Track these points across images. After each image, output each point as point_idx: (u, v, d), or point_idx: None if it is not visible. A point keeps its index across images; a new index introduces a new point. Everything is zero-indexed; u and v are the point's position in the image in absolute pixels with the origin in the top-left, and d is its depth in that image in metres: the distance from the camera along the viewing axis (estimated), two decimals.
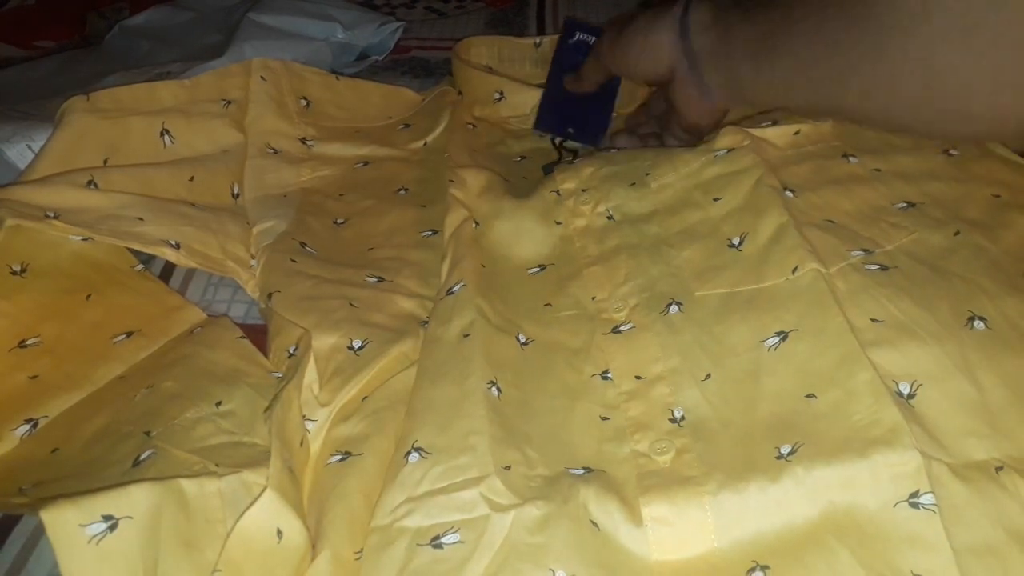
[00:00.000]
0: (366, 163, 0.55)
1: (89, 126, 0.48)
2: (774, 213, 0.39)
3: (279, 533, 0.31)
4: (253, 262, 0.46)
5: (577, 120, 0.55)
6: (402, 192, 0.52)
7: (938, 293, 0.35)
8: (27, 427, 0.37)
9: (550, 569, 0.29)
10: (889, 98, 0.35)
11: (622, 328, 0.39)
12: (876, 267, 0.37)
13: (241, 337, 0.42)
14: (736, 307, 0.37)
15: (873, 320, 0.34)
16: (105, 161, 0.48)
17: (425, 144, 0.56)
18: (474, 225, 0.45)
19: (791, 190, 0.41)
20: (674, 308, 0.38)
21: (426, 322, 0.41)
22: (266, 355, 0.41)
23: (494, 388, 0.36)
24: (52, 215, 0.42)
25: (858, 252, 0.37)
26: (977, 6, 0.30)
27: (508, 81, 0.58)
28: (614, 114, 0.56)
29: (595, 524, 0.31)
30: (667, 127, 0.50)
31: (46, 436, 0.37)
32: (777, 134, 0.45)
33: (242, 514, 0.30)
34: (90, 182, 0.45)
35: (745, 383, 0.34)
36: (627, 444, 0.34)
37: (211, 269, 0.46)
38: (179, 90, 0.52)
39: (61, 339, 0.40)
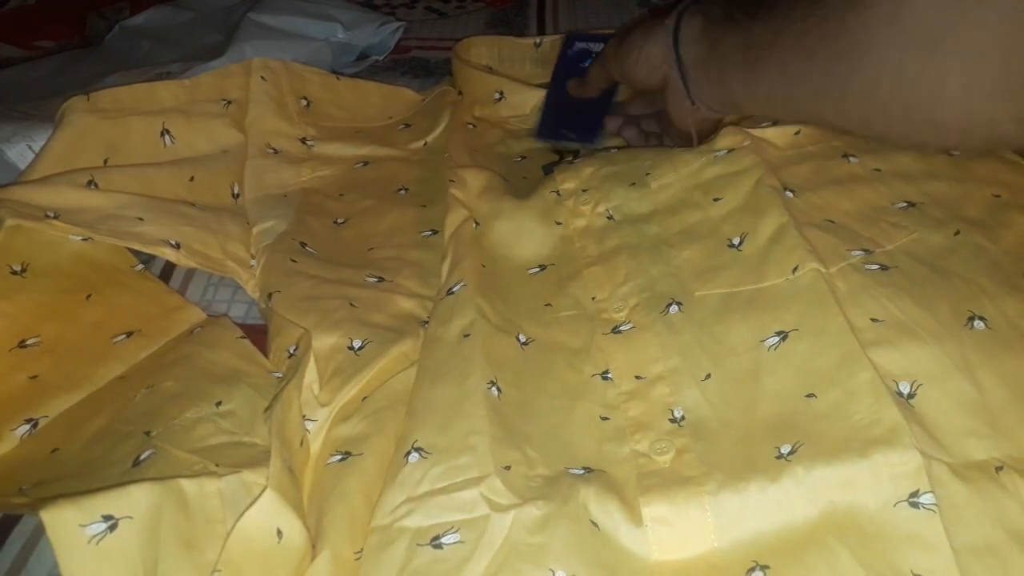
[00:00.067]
0: (366, 163, 0.55)
1: (89, 126, 0.48)
2: (774, 213, 0.39)
3: (279, 533, 0.31)
4: (253, 262, 0.46)
5: (575, 124, 0.55)
6: (402, 192, 0.52)
7: (938, 293, 0.35)
8: (27, 427, 0.37)
9: (550, 569, 0.29)
10: (864, 106, 0.35)
11: (622, 328, 0.39)
12: (876, 267, 0.37)
13: (241, 337, 0.42)
14: (736, 307, 0.37)
15: (873, 320, 0.34)
16: (105, 161, 0.48)
17: (425, 144, 0.56)
18: (474, 225, 0.45)
19: (791, 190, 0.41)
20: (674, 308, 0.38)
21: (426, 322, 0.41)
22: (266, 355, 0.41)
23: (494, 388, 0.36)
24: (52, 215, 0.42)
25: (858, 252, 0.37)
26: (947, 13, 0.31)
27: (508, 81, 0.58)
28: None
29: (595, 524, 0.31)
30: (664, 129, 0.51)
31: (46, 436, 0.37)
32: (777, 134, 0.45)
33: (242, 514, 0.30)
34: (90, 182, 0.45)
35: (745, 383, 0.34)
36: (627, 444, 0.34)
37: (211, 269, 0.46)
38: (179, 90, 0.52)
39: (61, 339, 0.40)
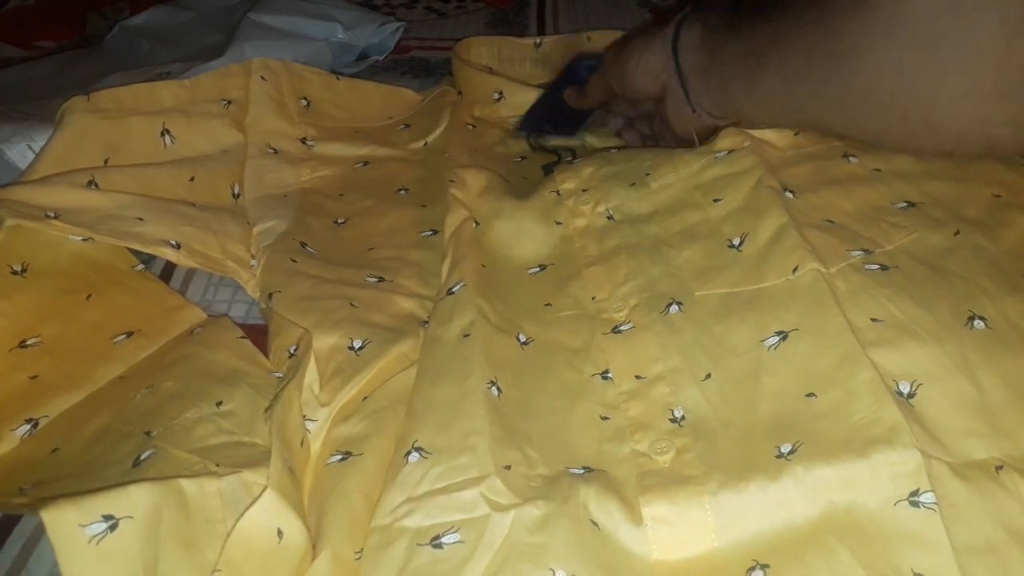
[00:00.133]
0: (366, 163, 0.55)
1: (89, 126, 0.48)
2: (774, 214, 0.39)
3: (279, 533, 0.31)
4: (253, 262, 0.46)
5: (557, 121, 0.55)
6: (402, 192, 0.52)
7: (938, 293, 0.35)
8: (27, 427, 0.37)
9: (550, 569, 0.29)
10: (864, 109, 0.36)
11: (622, 328, 0.39)
12: (876, 267, 0.37)
13: (241, 337, 0.42)
14: (736, 307, 0.37)
15: (873, 320, 0.34)
16: (105, 161, 0.48)
17: (425, 144, 0.56)
18: (474, 225, 0.45)
19: (791, 191, 0.41)
20: (674, 308, 0.38)
21: (426, 322, 0.41)
22: (266, 355, 0.41)
23: (494, 388, 0.36)
24: (52, 215, 0.42)
25: (858, 252, 0.37)
26: (945, 15, 0.31)
27: (508, 81, 0.59)
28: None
29: (595, 524, 0.31)
30: (660, 133, 0.51)
31: (46, 436, 0.37)
32: (777, 135, 0.45)
33: (242, 514, 0.30)
34: (90, 182, 0.45)
35: (745, 383, 0.34)
36: (627, 444, 0.34)
37: (211, 269, 0.46)
38: (179, 90, 0.52)
39: (61, 339, 0.40)
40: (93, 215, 0.44)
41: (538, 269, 0.44)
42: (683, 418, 0.34)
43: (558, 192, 0.47)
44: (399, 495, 0.32)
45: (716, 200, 0.42)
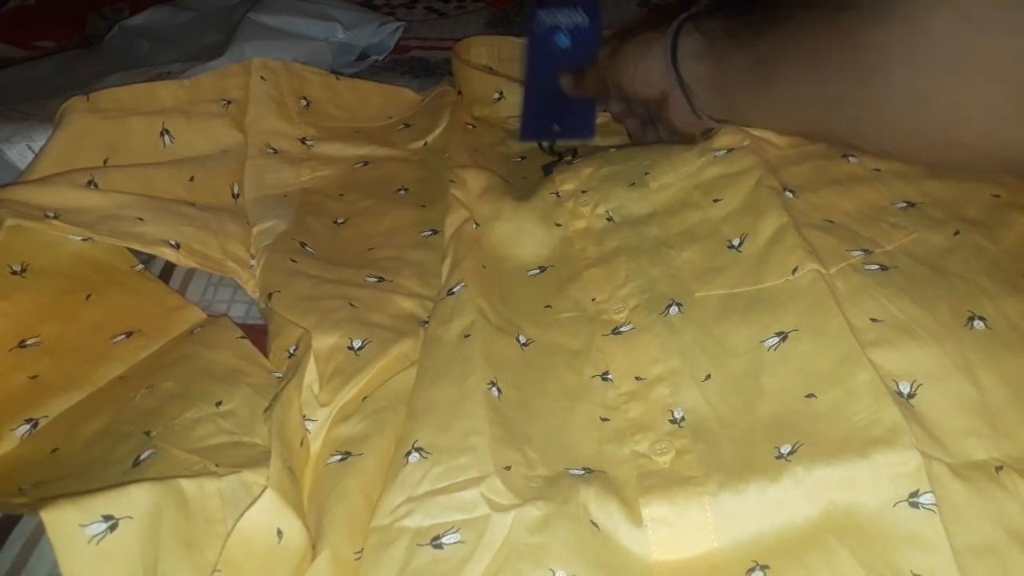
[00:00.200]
0: (366, 163, 0.55)
1: (89, 126, 0.48)
2: (774, 214, 0.39)
3: (279, 533, 0.31)
4: (253, 262, 0.46)
5: (562, 117, 0.53)
6: (402, 192, 0.52)
7: (938, 293, 0.35)
8: (27, 427, 0.37)
9: (550, 569, 0.29)
10: (877, 125, 0.35)
11: (622, 329, 0.39)
12: (876, 267, 0.37)
13: (241, 337, 0.42)
14: (736, 308, 0.37)
15: (873, 320, 0.34)
16: (105, 161, 0.48)
17: (425, 144, 0.56)
18: (474, 226, 0.45)
19: (791, 190, 0.41)
20: (674, 309, 0.38)
21: (426, 322, 0.41)
22: (266, 355, 0.41)
23: (494, 388, 0.36)
24: (52, 215, 0.42)
25: (858, 252, 0.37)
26: (962, 34, 0.30)
27: (508, 81, 0.58)
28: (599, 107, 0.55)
29: (595, 524, 0.31)
30: (658, 118, 0.50)
31: (46, 436, 0.37)
32: (777, 135, 0.45)
33: (242, 514, 0.30)
34: (90, 182, 0.45)
35: (745, 384, 0.34)
36: (627, 445, 0.34)
37: (211, 269, 0.46)
38: (179, 90, 0.52)
39: (61, 339, 0.40)
40: (93, 215, 0.44)
41: (538, 271, 0.44)
42: (683, 419, 0.34)
43: (558, 194, 0.47)
44: (399, 495, 0.32)
45: (716, 200, 0.42)
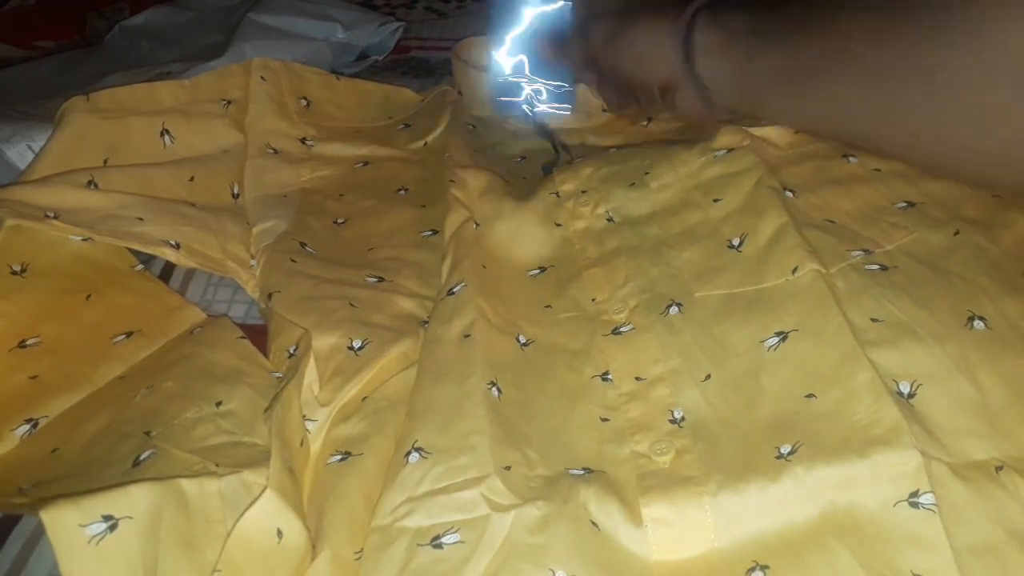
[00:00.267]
0: (366, 163, 0.55)
1: (89, 126, 0.48)
2: (774, 214, 0.39)
3: (279, 533, 0.31)
4: (253, 262, 0.46)
5: (540, 81, 0.50)
6: (402, 192, 0.52)
7: (938, 293, 0.35)
8: (27, 427, 0.37)
9: (550, 569, 0.29)
10: (936, 140, 0.33)
11: (622, 329, 0.39)
12: (876, 267, 0.37)
13: (241, 337, 0.42)
14: (736, 308, 0.37)
15: (873, 320, 0.34)
16: (105, 161, 0.48)
17: (425, 144, 0.56)
18: (475, 226, 0.45)
19: (791, 190, 0.41)
20: (674, 309, 0.38)
21: (426, 322, 0.41)
22: (266, 355, 0.41)
23: (494, 388, 0.36)
24: (52, 215, 0.42)
25: (858, 252, 0.37)
26: None
27: None
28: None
29: (595, 524, 0.31)
30: (642, 105, 0.48)
31: (46, 436, 0.37)
32: (777, 133, 0.45)
33: (242, 514, 0.30)
34: (90, 182, 0.45)
35: (745, 384, 0.34)
36: (627, 445, 0.34)
37: (211, 269, 0.46)
38: (179, 90, 0.52)
39: (61, 339, 0.40)
40: (93, 215, 0.44)
41: (538, 271, 0.44)
42: (683, 419, 0.34)
43: (558, 194, 0.47)
44: (399, 495, 0.32)
45: (716, 200, 0.42)
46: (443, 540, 0.31)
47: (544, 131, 0.54)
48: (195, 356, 0.39)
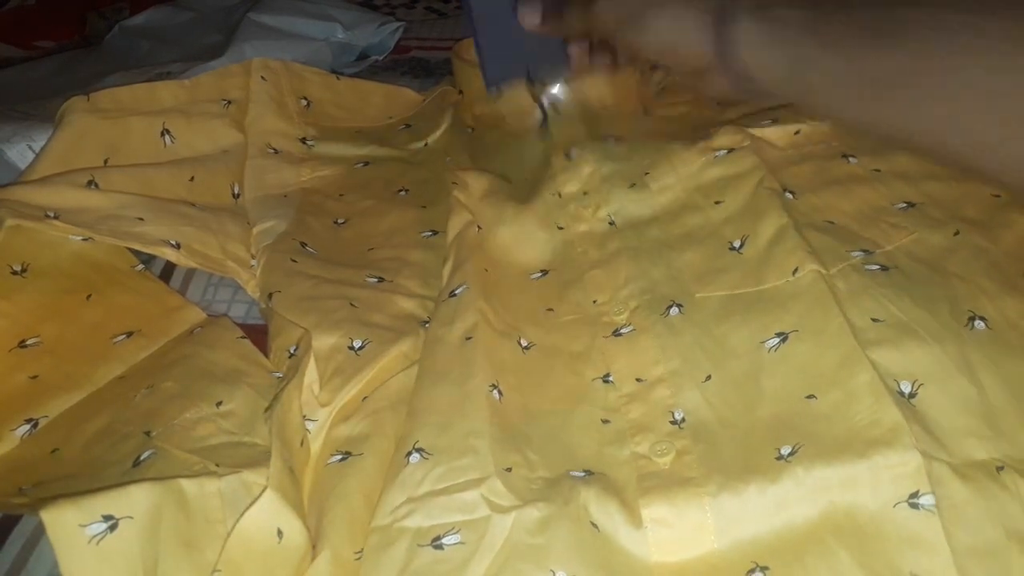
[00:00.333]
0: (366, 163, 0.55)
1: (89, 126, 0.48)
2: (774, 215, 0.39)
3: (279, 533, 0.31)
4: (253, 262, 0.46)
5: (529, 53, 0.44)
6: (402, 193, 0.52)
7: (938, 293, 0.35)
8: (27, 427, 0.37)
9: (551, 570, 0.29)
10: None
11: (623, 331, 0.39)
12: (876, 267, 0.37)
13: (241, 337, 0.42)
14: (737, 309, 0.37)
15: (874, 320, 0.34)
16: (105, 161, 0.48)
17: (426, 145, 0.56)
18: (477, 229, 0.45)
19: (791, 191, 0.41)
20: (674, 310, 0.38)
21: (426, 322, 0.41)
22: (266, 355, 0.41)
23: (495, 391, 0.36)
24: (52, 215, 0.42)
25: (858, 253, 0.37)
26: None
27: None
28: None
29: (595, 526, 0.31)
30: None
31: (46, 436, 0.37)
32: (777, 134, 0.45)
33: (242, 514, 0.30)
34: (90, 182, 0.45)
35: (745, 384, 0.34)
36: (627, 446, 0.34)
37: (211, 269, 0.46)
38: (179, 90, 0.52)
39: (61, 339, 0.40)
40: (93, 215, 0.44)
41: (540, 274, 0.44)
42: (683, 420, 0.34)
43: (559, 195, 0.47)
44: (400, 495, 0.32)
45: (717, 202, 0.42)
46: (444, 541, 0.31)
47: (535, 93, 0.48)
48: (195, 356, 0.39)
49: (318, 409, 0.37)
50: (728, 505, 0.30)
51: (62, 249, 0.43)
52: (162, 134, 0.50)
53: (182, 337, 0.42)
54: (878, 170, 0.43)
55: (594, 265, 0.43)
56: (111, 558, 0.27)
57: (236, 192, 0.50)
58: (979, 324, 0.34)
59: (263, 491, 0.30)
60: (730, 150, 0.44)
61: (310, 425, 0.36)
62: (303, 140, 0.55)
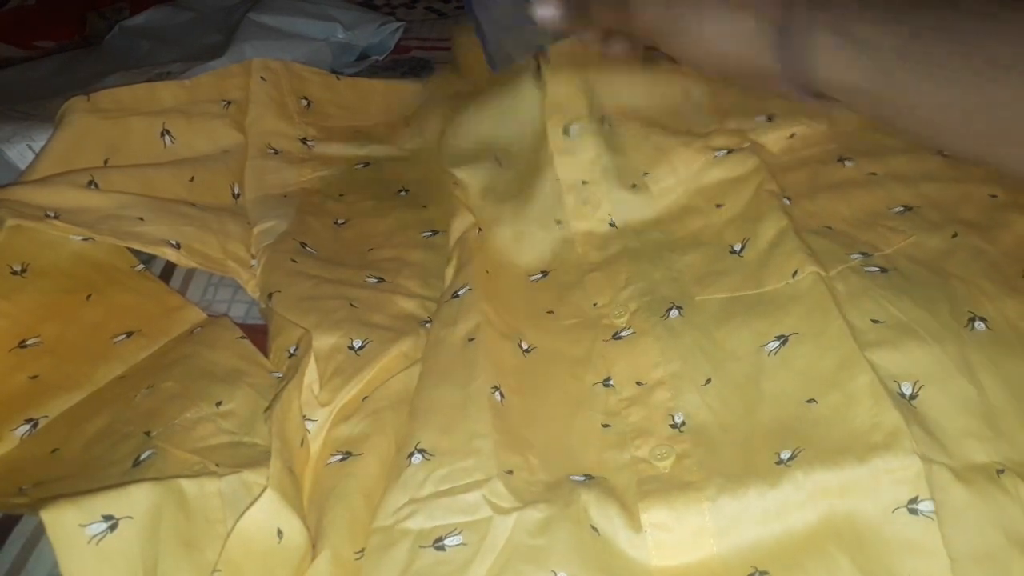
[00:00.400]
0: (367, 164, 0.55)
1: (89, 126, 0.48)
2: (774, 218, 0.39)
3: (279, 533, 0.31)
4: (253, 262, 0.46)
5: (531, 30, 0.41)
6: (403, 193, 0.52)
7: (938, 294, 0.35)
8: (27, 427, 0.37)
9: (552, 571, 0.29)
10: None
11: (623, 334, 0.39)
12: (875, 269, 0.37)
13: (241, 337, 0.42)
14: (737, 312, 0.37)
15: (874, 321, 0.34)
16: (105, 161, 0.48)
17: (426, 145, 0.56)
18: (478, 231, 0.45)
19: (787, 198, 0.41)
20: (674, 313, 0.38)
21: (427, 322, 0.41)
22: (266, 355, 0.41)
23: (497, 393, 0.36)
24: (52, 215, 0.42)
25: (857, 255, 0.38)
26: None
27: None
28: None
29: (595, 529, 0.31)
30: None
31: (46, 436, 0.37)
32: (772, 139, 0.44)
33: (242, 514, 0.30)
34: (90, 182, 0.45)
35: (745, 388, 0.34)
36: (628, 450, 0.34)
37: (211, 269, 0.46)
38: (179, 90, 0.52)
39: (61, 339, 0.40)
40: (93, 215, 0.44)
41: (540, 276, 0.44)
42: (683, 423, 0.34)
43: (557, 179, 0.46)
44: (402, 496, 0.32)
45: (719, 206, 0.42)
46: (446, 542, 0.31)
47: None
48: (195, 356, 0.39)
49: (318, 409, 0.37)
50: (728, 509, 0.30)
51: (62, 249, 0.43)
52: (162, 134, 0.50)
53: (182, 337, 0.42)
54: (874, 173, 0.43)
55: (594, 267, 0.43)
56: (111, 558, 0.27)
57: (236, 192, 0.50)
58: (979, 325, 0.34)
59: (263, 491, 0.30)
60: (730, 151, 0.44)
61: (310, 425, 0.36)
62: (303, 140, 0.55)
